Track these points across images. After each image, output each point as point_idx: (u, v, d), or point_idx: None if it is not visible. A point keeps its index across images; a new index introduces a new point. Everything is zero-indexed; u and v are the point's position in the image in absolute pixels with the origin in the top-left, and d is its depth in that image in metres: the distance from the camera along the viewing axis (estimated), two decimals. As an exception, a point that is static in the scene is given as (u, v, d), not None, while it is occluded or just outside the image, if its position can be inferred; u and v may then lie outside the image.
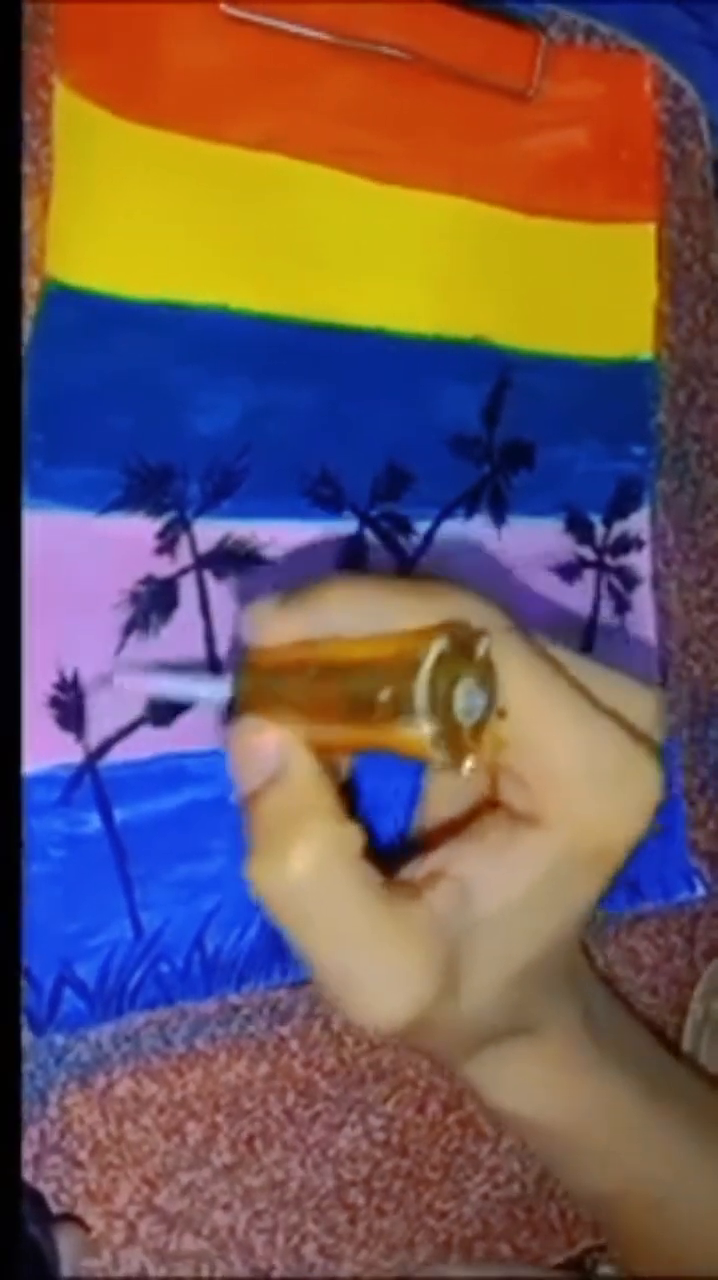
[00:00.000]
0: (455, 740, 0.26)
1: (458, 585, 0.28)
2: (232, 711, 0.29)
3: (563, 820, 0.27)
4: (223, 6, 0.34)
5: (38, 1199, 0.33)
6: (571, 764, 0.27)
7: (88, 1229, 0.34)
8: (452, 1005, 0.27)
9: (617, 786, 0.27)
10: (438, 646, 0.25)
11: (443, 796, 0.29)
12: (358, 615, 0.27)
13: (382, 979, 0.26)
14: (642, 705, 0.29)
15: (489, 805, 0.30)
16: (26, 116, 0.33)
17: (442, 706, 0.26)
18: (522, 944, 0.28)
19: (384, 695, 0.26)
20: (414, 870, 0.28)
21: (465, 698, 0.26)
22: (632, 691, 0.29)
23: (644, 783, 0.27)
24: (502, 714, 0.27)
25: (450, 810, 0.31)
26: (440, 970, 0.26)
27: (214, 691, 0.30)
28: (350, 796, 0.29)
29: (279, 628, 0.28)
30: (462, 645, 0.26)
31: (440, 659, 0.25)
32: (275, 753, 0.27)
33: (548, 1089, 0.32)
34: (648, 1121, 0.34)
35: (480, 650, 0.26)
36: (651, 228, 0.43)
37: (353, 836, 0.27)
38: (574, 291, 0.42)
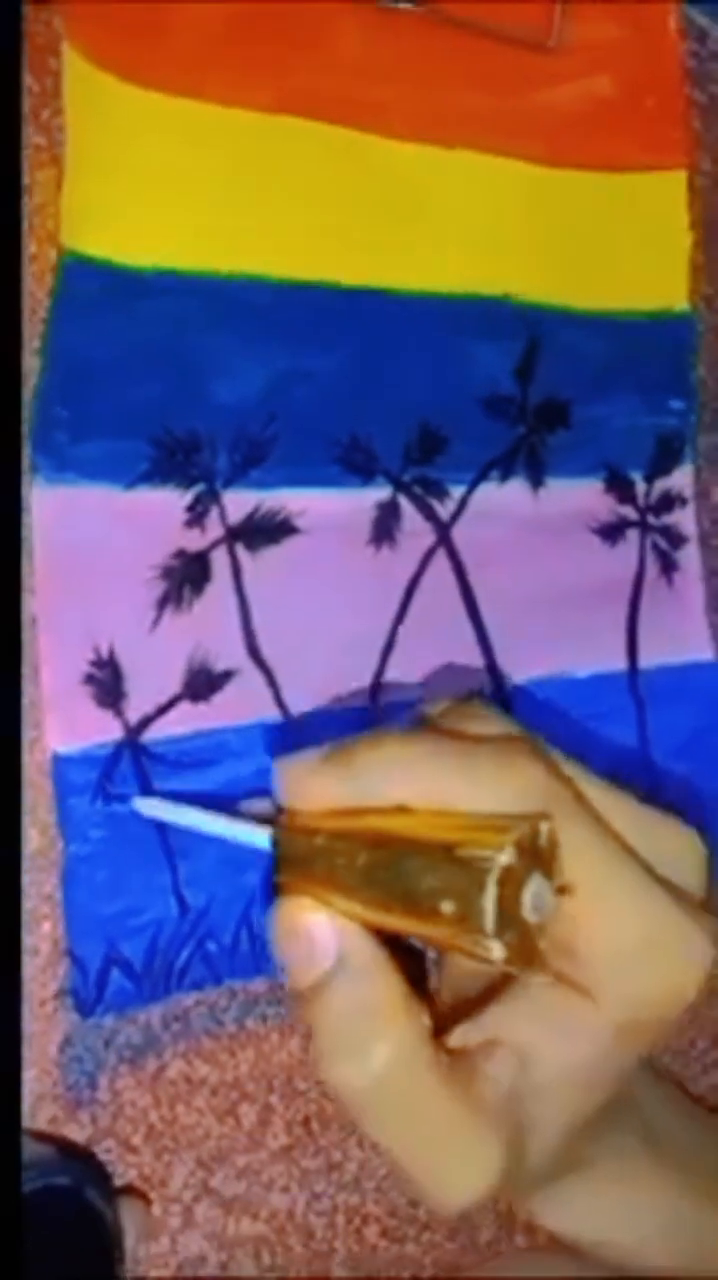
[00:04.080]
0: (524, 942, 0.24)
1: (518, 749, 0.26)
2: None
3: (619, 995, 0.26)
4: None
5: (100, 1169, 0.33)
6: (629, 943, 0.26)
7: (149, 1202, 0.33)
8: (515, 1168, 0.26)
9: (673, 960, 0.26)
10: (504, 858, 0.24)
11: None
12: (409, 785, 0.25)
13: (458, 1167, 0.26)
14: (684, 850, 0.28)
15: None
16: (35, 86, 0.32)
17: (510, 916, 0.24)
18: (579, 1105, 0.27)
19: (448, 907, 0.24)
20: (465, 1036, 0.27)
21: (533, 897, 0.24)
22: (674, 835, 0.28)
23: (698, 953, 0.26)
24: (565, 891, 0.25)
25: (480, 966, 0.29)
26: (508, 1145, 0.26)
27: (253, 838, 0.28)
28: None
29: (318, 792, 0.26)
30: (527, 841, 0.24)
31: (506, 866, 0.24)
32: (332, 941, 0.25)
33: (609, 1214, 0.31)
34: None
35: (543, 839, 0.25)
36: (681, 175, 0.42)
37: (425, 1022, 0.26)
38: (605, 244, 0.41)
